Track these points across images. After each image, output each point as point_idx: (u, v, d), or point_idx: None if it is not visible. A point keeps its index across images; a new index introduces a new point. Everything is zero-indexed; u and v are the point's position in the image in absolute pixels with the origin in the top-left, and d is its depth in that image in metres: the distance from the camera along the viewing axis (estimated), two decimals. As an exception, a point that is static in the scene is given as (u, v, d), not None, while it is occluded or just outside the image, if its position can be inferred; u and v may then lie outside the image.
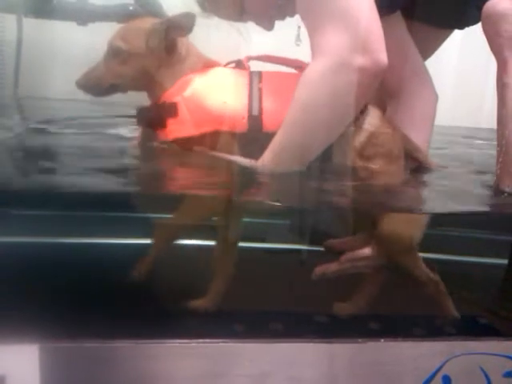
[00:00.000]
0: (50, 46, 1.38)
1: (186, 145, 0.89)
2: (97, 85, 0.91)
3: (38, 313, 0.67)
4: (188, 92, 0.89)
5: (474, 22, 1.01)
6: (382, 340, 0.68)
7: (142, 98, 0.94)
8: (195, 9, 0.98)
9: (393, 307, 0.83)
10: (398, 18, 1.01)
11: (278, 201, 0.82)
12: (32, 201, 0.80)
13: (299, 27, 0.94)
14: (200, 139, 0.88)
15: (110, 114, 1.15)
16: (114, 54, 0.90)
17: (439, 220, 0.87)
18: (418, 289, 0.84)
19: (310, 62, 0.83)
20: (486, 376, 0.70)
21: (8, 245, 0.88)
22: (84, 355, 0.61)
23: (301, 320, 0.79)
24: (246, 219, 0.88)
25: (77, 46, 1.34)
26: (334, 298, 0.83)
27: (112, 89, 0.92)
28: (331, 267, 0.82)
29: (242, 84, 0.90)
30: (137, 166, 0.93)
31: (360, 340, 0.68)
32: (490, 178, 0.90)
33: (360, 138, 0.89)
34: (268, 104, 0.88)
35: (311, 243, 0.90)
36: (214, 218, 0.87)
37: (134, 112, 0.95)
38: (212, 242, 0.86)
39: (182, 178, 0.87)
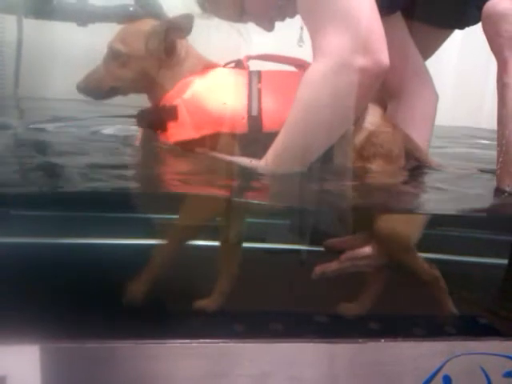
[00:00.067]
0: (50, 46, 1.38)
1: (187, 147, 0.89)
2: (97, 88, 0.91)
3: (39, 313, 0.67)
4: (187, 95, 0.89)
5: (474, 22, 1.01)
6: (383, 340, 0.68)
7: (141, 99, 0.94)
8: (195, 9, 0.98)
9: (393, 307, 0.83)
10: (398, 18, 1.01)
11: (278, 201, 0.82)
12: (32, 201, 0.79)
13: (302, 28, 0.94)
14: (201, 141, 0.88)
15: (109, 114, 1.15)
16: (114, 56, 0.90)
17: (439, 220, 0.87)
18: (418, 288, 0.84)
19: (312, 62, 0.83)
20: (487, 376, 0.70)
21: (8, 245, 0.88)
22: (84, 355, 0.61)
23: (301, 320, 0.79)
24: (247, 220, 0.88)
25: (77, 46, 1.34)
26: (334, 298, 0.83)
27: (112, 92, 0.92)
28: (331, 266, 0.82)
29: (241, 84, 0.90)
30: (137, 166, 0.94)
31: (360, 340, 0.68)
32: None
33: (360, 137, 0.89)
34: (268, 104, 0.88)
35: (311, 243, 0.90)
36: (217, 219, 0.87)
37: (134, 111, 0.95)
38: (214, 243, 0.86)
39: (183, 179, 0.87)
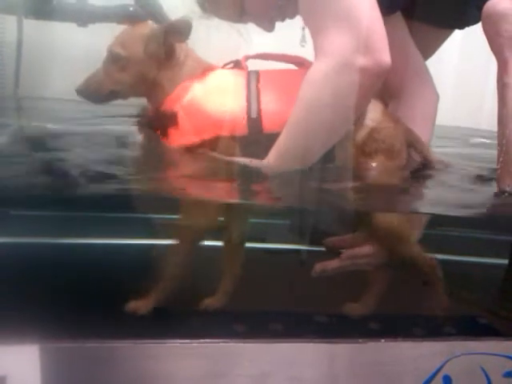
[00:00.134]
0: (50, 47, 1.38)
1: (188, 150, 0.89)
2: (97, 92, 0.91)
3: (39, 313, 0.67)
4: (187, 99, 0.89)
5: (475, 22, 1.01)
6: (383, 340, 0.68)
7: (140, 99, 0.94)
8: (195, 10, 0.98)
9: (393, 307, 0.83)
10: (398, 18, 1.01)
11: (279, 201, 0.82)
12: (31, 201, 0.79)
13: (304, 28, 0.94)
14: (201, 145, 0.88)
15: (109, 114, 1.15)
16: (113, 60, 0.90)
17: (439, 220, 0.87)
18: (418, 288, 0.84)
19: (314, 62, 0.83)
20: (487, 376, 0.70)
21: (8, 245, 0.88)
22: (84, 355, 0.61)
23: (301, 320, 0.79)
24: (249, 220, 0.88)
25: (77, 46, 1.34)
26: (334, 298, 0.83)
27: (112, 95, 0.92)
28: (331, 264, 0.82)
29: (240, 86, 0.90)
30: (138, 167, 0.93)
31: (360, 340, 0.68)
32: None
33: (361, 134, 0.89)
34: (267, 105, 0.88)
35: (311, 243, 0.90)
36: (220, 219, 0.87)
37: (133, 111, 0.95)
38: (215, 243, 0.86)
39: (185, 181, 0.87)
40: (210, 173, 0.88)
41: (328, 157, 0.86)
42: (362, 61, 0.78)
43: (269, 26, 0.99)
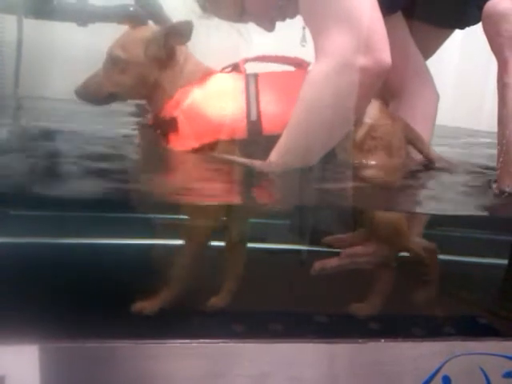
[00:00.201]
0: (50, 46, 1.38)
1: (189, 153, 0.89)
2: (96, 94, 0.91)
3: (38, 313, 0.67)
4: (186, 104, 0.89)
5: (475, 22, 1.01)
6: (382, 340, 0.68)
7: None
8: (196, 9, 0.98)
9: (393, 307, 0.83)
10: (398, 18, 1.02)
11: (280, 201, 0.82)
12: (31, 201, 0.79)
13: (304, 28, 0.94)
14: (202, 149, 0.89)
15: (110, 114, 1.15)
16: (113, 63, 0.90)
17: (439, 220, 0.87)
18: (418, 288, 0.84)
19: (314, 62, 0.83)
20: (486, 376, 0.70)
21: (8, 245, 0.88)
22: (84, 355, 0.61)
23: (301, 320, 0.79)
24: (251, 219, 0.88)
25: (77, 46, 1.34)
26: (333, 298, 0.83)
27: (111, 98, 0.92)
28: (331, 262, 0.82)
29: (239, 89, 0.90)
30: (138, 168, 0.93)
31: (360, 340, 0.68)
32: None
33: (360, 132, 0.89)
34: (266, 107, 0.88)
35: (311, 243, 0.90)
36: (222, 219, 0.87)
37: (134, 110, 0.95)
38: (216, 243, 0.86)
39: (186, 182, 0.87)
40: (212, 173, 0.88)
41: (328, 156, 0.86)
42: (362, 61, 0.78)
43: (269, 26, 0.99)
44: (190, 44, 0.93)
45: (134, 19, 0.98)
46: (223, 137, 0.88)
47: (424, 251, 0.83)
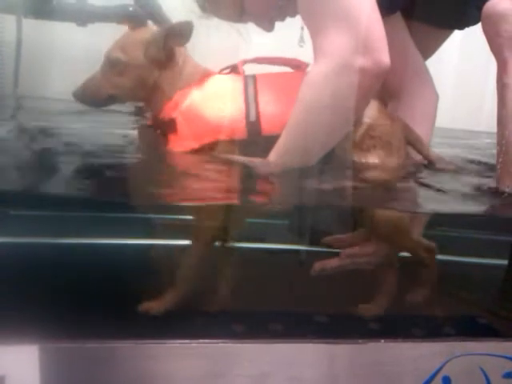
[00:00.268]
0: (49, 46, 1.38)
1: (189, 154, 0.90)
2: (94, 96, 0.91)
3: (38, 313, 0.67)
4: (185, 106, 0.90)
5: (474, 23, 1.01)
6: (382, 341, 0.68)
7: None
8: (195, 10, 0.98)
9: (393, 308, 0.83)
10: (398, 18, 1.02)
11: (278, 202, 0.82)
12: (31, 201, 0.79)
13: (302, 28, 0.94)
14: (201, 150, 0.89)
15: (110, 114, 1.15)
16: (113, 65, 0.90)
17: (439, 220, 0.87)
18: (418, 288, 0.84)
19: (313, 63, 0.83)
20: (486, 377, 0.70)
21: (8, 245, 0.88)
22: (84, 355, 0.61)
23: (301, 320, 0.79)
24: (247, 220, 0.88)
25: (76, 46, 1.34)
26: (333, 298, 0.83)
27: (110, 99, 0.92)
28: (331, 263, 0.82)
29: (237, 90, 0.90)
30: (138, 168, 0.93)
31: (360, 341, 0.68)
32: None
33: (359, 132, 0.89)
34: (265, 107, 0.89)
35: (311, 243, 0.90)
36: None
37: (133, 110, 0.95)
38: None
39: (187, 183, 0.86)
40: (211, 173, 0.88)
41: (328, 156, 0.86)
42: (361, 61, 0.78)
43: (269, 26, 0.99)
44: (189, 44, 0.92)
45: (133, 19, 0.98)
46: (222, 137, 0.89)
47: (424, 251, 0.83)
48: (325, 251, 0.87)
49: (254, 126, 0.88)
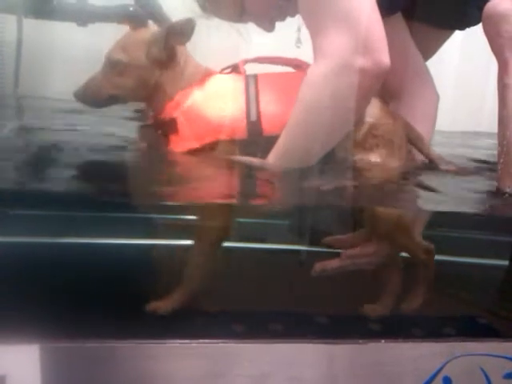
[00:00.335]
0: (49, 46, 1.38)
1: (189, 154, 0.89)
2: (95, 96, 0.90)
3: (38, 313, 0.67)
4: (186, 105, 0.89)
5: (475, 23, 1.01)
6: (383, 341, 0.68)
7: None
8: (195, 9, 0.98)
9: (394, 308, 0.83)
10: (398, 18, 1.02)
11: (278, 202, 0.82)
12: (30, 201, 0.79)
13: (299, 29, 0.94)
14: (202, 150, 0.89)
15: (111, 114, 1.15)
16: (114, 65, 0.89)
17: (439, 221, 0.87)
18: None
19: (313, 63, 0.83)
20: (487, 377, 0.70)
21: (8, 245, 0.88)
22: (84, 355, 0.61)
23: (301, 320, 0.79)
24: (246, 220, 0.88)
25: (77, 46, 1.34)
26: (333, 298, 0.83)
27: (112, 100, 0.92)
28: (332, 264, 0.82)
29: (238, 90, 0.90)
30: (139, 168, 0.93)
31: (360, 341, 0.68)
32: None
33: (361, 130, 0.89)
34: (266, 107, 0.88)
35: (311, 244, 0.90)
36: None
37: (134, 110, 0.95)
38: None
39: (185, 183, 0.86)
40: (210, 174, 0.88)
41: (328, 156, 0.86)
42: (361, 62, 0.78)
43: (269, 26, 0.99)
44: (189, 44, 0.92)
45: (133, 19, 0.98)
46: (223, 137, 0.88)
47: (423, 252, 0.83)
48: (325, 251, 0.86)
49: (254, 126, 0.88)
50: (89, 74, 0.92)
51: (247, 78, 0.92)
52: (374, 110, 0.90)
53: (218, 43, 1.01)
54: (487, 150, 1.20)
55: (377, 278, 0.85)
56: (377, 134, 0.89)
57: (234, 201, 0.81)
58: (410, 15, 1.03)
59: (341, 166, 0.88)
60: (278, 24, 1.00)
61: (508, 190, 0.84)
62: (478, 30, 0.91)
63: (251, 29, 1.00)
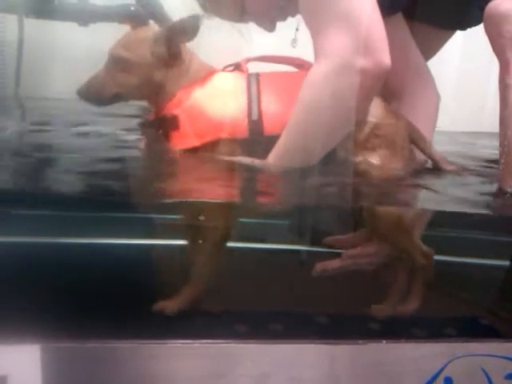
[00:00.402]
0: (51, 46, 1.38)
1: (189, 153, 0.89)
2: (99, 94, 0.90)
3: (40, 313, 0.67)
4: (188, 103, 0.89)
5: (477, 23, 1.01)
6: (384, 341, 0.68)
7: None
8: (196, 9, 0.98)
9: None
10: (399, 19, 1.01)
11: (279, 201, 0.82)
12: (32, 201, 0.79)
13: (297, 29, 0.94)
14: (203, 148, 0.88)
15: (112, 114, 1.15)
16: (118, 63, 0.89)
17: (440, 221, 0.87)
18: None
19: (314, 63, 0.83)
20: (488, 378, 0.69)
21: (9, 245, 0.88)
22: (85, 355, 0.61)
23: (302, 321, 0.79)
24: (246, 220, 0.88)
25: (78, 46, 1.34)
26: (334, 298, 0.83)
27: (115, 98, 0.91)
28: (332, 264, 0.82)
29: (240, 88, 0.90)
30: (140, 168, 0.93)
31: (361, 341, 0.68)
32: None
33: (364, 130, 0.89)
34: (267, 107, 0.88)
35: (312, 244, 0.90)
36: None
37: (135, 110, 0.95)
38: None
39: (188, 183, 0.86)
40: (212, 173, 0.88)
41: (329, 156, 0.86)
42: (361, 62, 0.78)
43: (270, 26, 0.99)
44: (189, 44, 0.92)
45: (134, 19, 0.97)
46: (224, 136, 0.88)
47: (421, 256, 0.83)
48: (326, 252, 0.86)
49: (256, 126, 0.88)
50: (90, 74, 0.91)
51: (249, 76, 0.92)
52: (377, 110, 0.90)
53: (218, 43, 1.01)
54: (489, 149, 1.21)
55: (383, 277, 0.85)
56: (379, 134, 0.89)
57: (236, 200, 0.81)
58: (410, 15, 1.03)
59: (341, 166, 0.88)
60: (278, 24, 1.00)
61: (509, 189, 0.84)
62: (479, 30, 0.91)
63: (252, 29, 1.00)
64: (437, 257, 0.85)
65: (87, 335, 0.62)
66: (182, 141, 0.89)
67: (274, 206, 0.83)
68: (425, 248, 0.83)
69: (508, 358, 0.70)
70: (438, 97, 1.05)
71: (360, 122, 0.88)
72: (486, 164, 1.08)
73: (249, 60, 0.95)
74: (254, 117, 0.88)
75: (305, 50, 0.92)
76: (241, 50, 1.00)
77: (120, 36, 0.92)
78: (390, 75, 0.82)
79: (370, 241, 0.83)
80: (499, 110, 0.85)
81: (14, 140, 0.99)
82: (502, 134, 0.85)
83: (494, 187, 0.88)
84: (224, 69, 0.96)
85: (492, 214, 0.85)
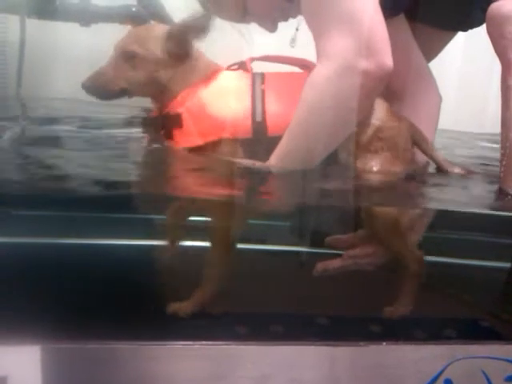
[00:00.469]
0: (52, 46, 1.38)
1: (193, 152, 0.89)
2: (105, 88, 0.89)
3: (40, 314, 0.67)
4: (192, 102, 0.89)
5: (479, 24, 1.01)
6: (384, 343, 0.68)
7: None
8: (198, 10, 0.98)
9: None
10: (401, 20, 1.01)
11: (281, 202, 0.82)
12: (33, 201, 0.79)
13: (297, 29, 0.94)
14: (206, 147, 0.88)
15: (113, 114, 1.15)
16: (128, 58, 0.89)
17: (441, 222, 0.87)
18: (419, 290, 0.84)
19: (316, 65, 0.83)
20: (488, 380, 0.69)
21: (9, 245, 0.88)
22: (85, 356, 0.61)
23: (302, 322, 0.79)
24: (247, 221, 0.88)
25: (79, 46, 1.34)
26: (335, 300, 0.83)
27: (121, 93, 0.90)
28: (333, 263, 0.82)
29: (245, 88, 0.90)
30: (142, 167, 0.93)
31: (361, 343, 0.68)
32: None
33: (367, 133, 0.88)
34: (271, 107, 0.88)
35: (313, 245, 0.90)
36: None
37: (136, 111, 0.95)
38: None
39: (189, 183, 0.87)
40: (213, 173, 0.88)
41: (331, 157, 0.86)
42: (364, 64, 0.78)
43: (271, 27, 0.99)
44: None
45: (136, 19, 0.97)
46: (227, 135, 0.88)
47: (414, 261, 0.83)
48: (326, 253, 0.86)
49: (259, 126, 0.88)
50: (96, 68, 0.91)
51: (254, 76, 0.92)
52: (380, 113, 0.89)
53: (218, 43, 1.01)
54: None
55: (368, 277, 0.85)
56: (382, 137, 0.89)
57: (237, 200, 0.81)
58: (412, 16, 1.03)
59: (343, 167, 0.88)
60: (280, 24, 1.00)
61: (510, 191, 0.84)
62: (481, 31, 0.91)
63: (253, 29, 1.00)
64: (438, 258, 0.85)
65: (87, 336, 0.62)
66: (185, 139, 0.89)
67: (276, 206, 0.83)
68: (418, 254, 0.83)
69: (508, 361, 0.70)
70: (439, 98, 1.05)
71: (363, 124, 0.87)
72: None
73: (253, 59, 0.95)
74: (258, 117, 0.88)
75: (304, 50, 0.92)
76: (241, 50, 1.00)
77: (127, 33, 0.91)
78: (391, 77, 0.81)
79: (370, 241, 0.83)
80: (501, 111, 0.85)
81: (14, 140, 0.99)
82: (504, 135, 0.85)
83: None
84: (228, 67, 0.95)
85: (493, 215, 0.85)
